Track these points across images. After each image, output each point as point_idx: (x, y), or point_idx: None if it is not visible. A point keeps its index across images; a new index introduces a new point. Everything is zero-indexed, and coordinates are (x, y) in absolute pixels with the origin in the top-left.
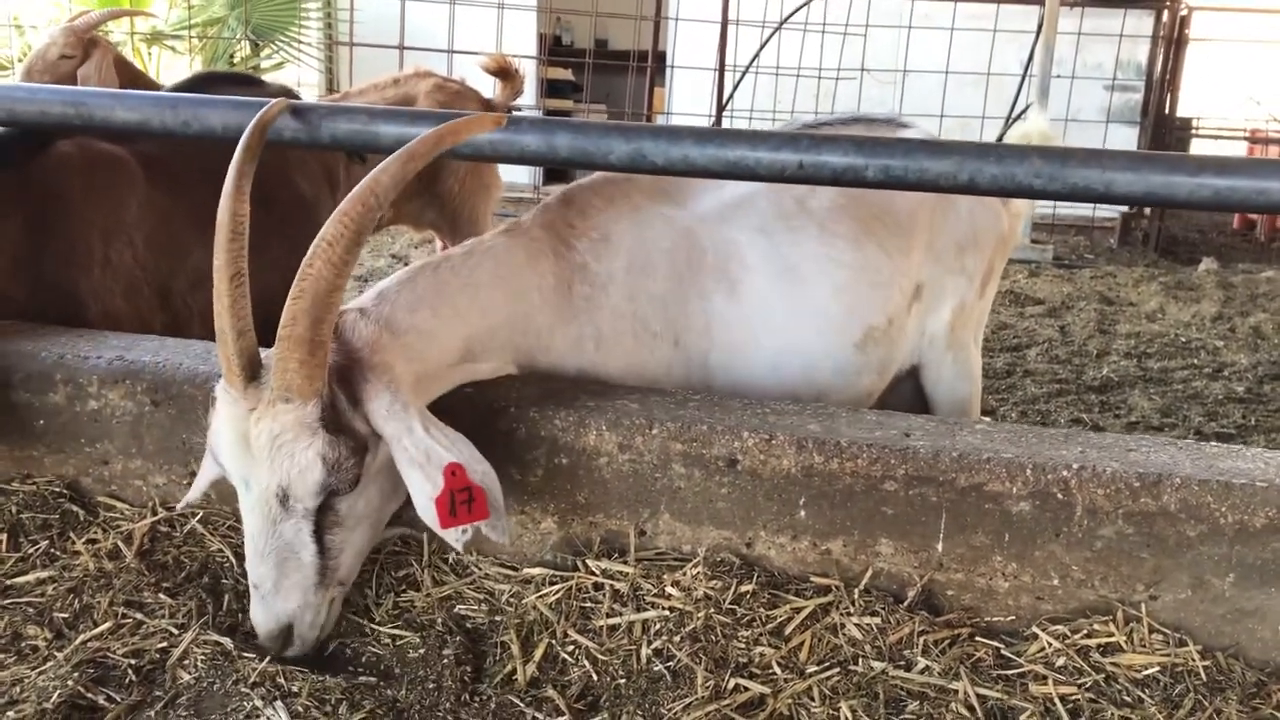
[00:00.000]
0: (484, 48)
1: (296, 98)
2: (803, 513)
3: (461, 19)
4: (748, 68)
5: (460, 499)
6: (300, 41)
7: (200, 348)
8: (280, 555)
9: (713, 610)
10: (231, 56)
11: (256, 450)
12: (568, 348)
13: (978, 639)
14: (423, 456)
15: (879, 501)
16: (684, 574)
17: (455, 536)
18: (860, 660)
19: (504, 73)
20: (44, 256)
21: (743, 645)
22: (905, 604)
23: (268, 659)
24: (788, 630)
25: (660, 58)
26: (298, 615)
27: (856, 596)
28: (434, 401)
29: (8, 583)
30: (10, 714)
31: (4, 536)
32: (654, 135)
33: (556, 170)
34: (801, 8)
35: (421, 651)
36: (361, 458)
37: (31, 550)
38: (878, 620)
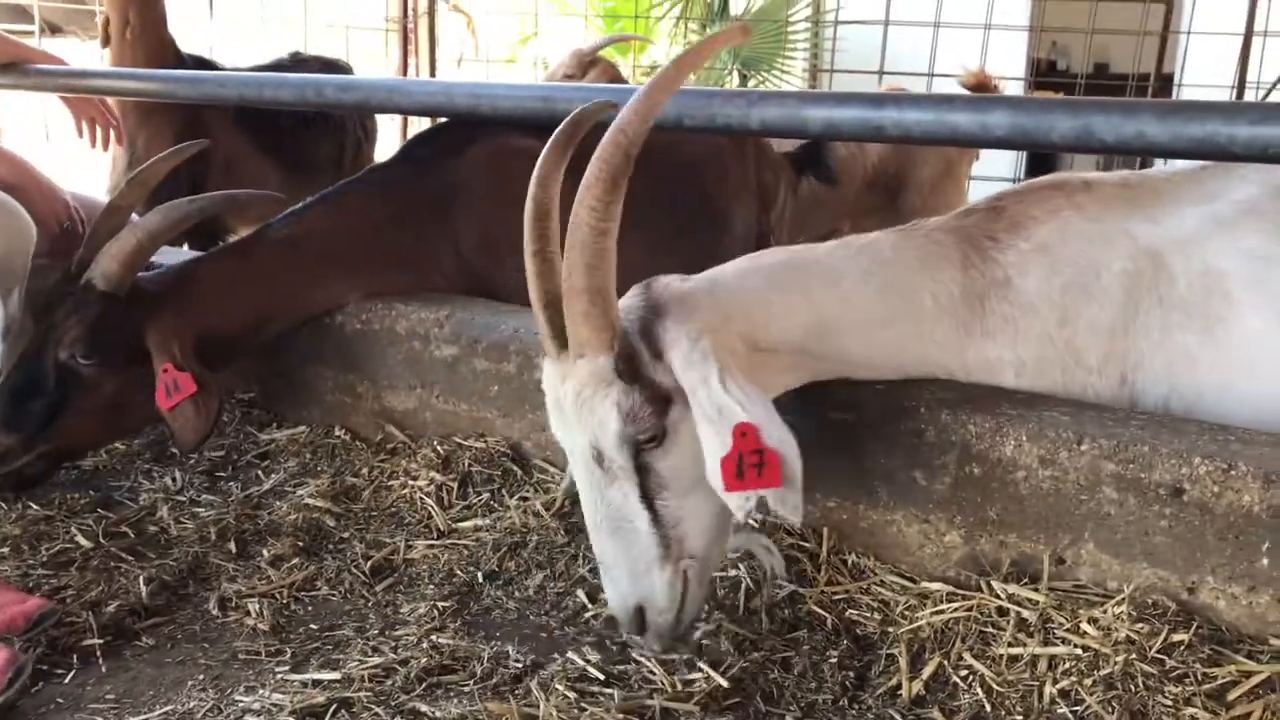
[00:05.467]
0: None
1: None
2: (1265, 560)
3: (946, 42)
4: (1275, 85)
5: (750, 461)
6: (785, 72)
7: None
8: (614, 524)
9: (1135, 657)
10: (720, 86)
11: (568, 412)
12: (980, 370)
13: None
14: (714, 411)
15: None
16: (1104, 611)
17: (739, 503)
18: None
19: (982, 89)
20: (463, 246)
21: (1169, 703)
22: None
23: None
24: (1231, 695)
25: (1165, 79)
26: (646, 595)
27: None
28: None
29: (454, 525)
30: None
31: (456, 485)
32: (1104, 110)
33: (1040, 161)
34: None
35: (807, 648)
36: (663, 408)
37: (476, 500)
38: None
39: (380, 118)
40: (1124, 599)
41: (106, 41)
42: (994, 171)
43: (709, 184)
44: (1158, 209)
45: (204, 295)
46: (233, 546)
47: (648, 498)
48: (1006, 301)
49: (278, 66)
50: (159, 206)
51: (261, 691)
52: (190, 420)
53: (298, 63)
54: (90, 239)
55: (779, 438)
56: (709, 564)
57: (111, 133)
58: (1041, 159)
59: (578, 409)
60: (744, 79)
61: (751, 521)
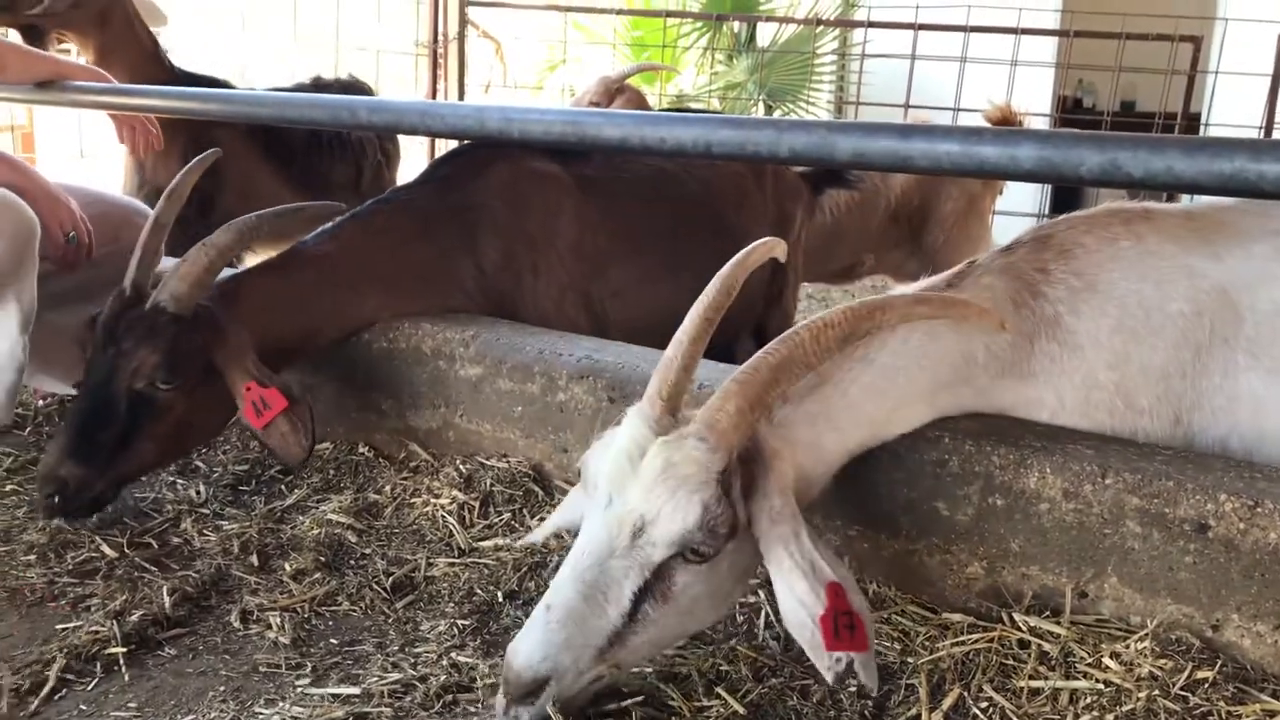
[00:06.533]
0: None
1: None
2: None
3: (972, 78)
4: None
5: (843, 622)
6: (810, 103)
7: (657, 355)
8: (590, 589)
9: (1158, 693)
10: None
11: (642, 471)
12: (1017, 409)
13: None
14: (808, 566)
15: None
16: (1127, 646)
17: (827, 663)
18: None
19: (1007, 124)
20: (485, 266)
21: None
22: None
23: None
24: None
25: (1193, 118)
26: (561, 673)
27: None
28: None
29: (474, 544)
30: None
31: (477, 504)
32: (1133, 145)
33: (1065, 196)
34: None
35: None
36: (729, 535)
37: (497, 520)
38: None
39: (407, 140)
40: (1147, 634)
41: None
42: (1018, 206)
43: (726, 211)
44: (1222, 243)
45: (253, 310)
46: (255, 560)
47: (641, 596)
48: (1055, 341)
49: (299, 90)
50: (228, 223)
51: (281, 705)
52: (288, 435)
53: (319, 87)
54: (141, 260)
55: (860, 602)
56: (607, 677)
57: (152, 140)
58: (1066, 194)
59: (659, 479)
60: (769, 109)
61: (833, 681)
